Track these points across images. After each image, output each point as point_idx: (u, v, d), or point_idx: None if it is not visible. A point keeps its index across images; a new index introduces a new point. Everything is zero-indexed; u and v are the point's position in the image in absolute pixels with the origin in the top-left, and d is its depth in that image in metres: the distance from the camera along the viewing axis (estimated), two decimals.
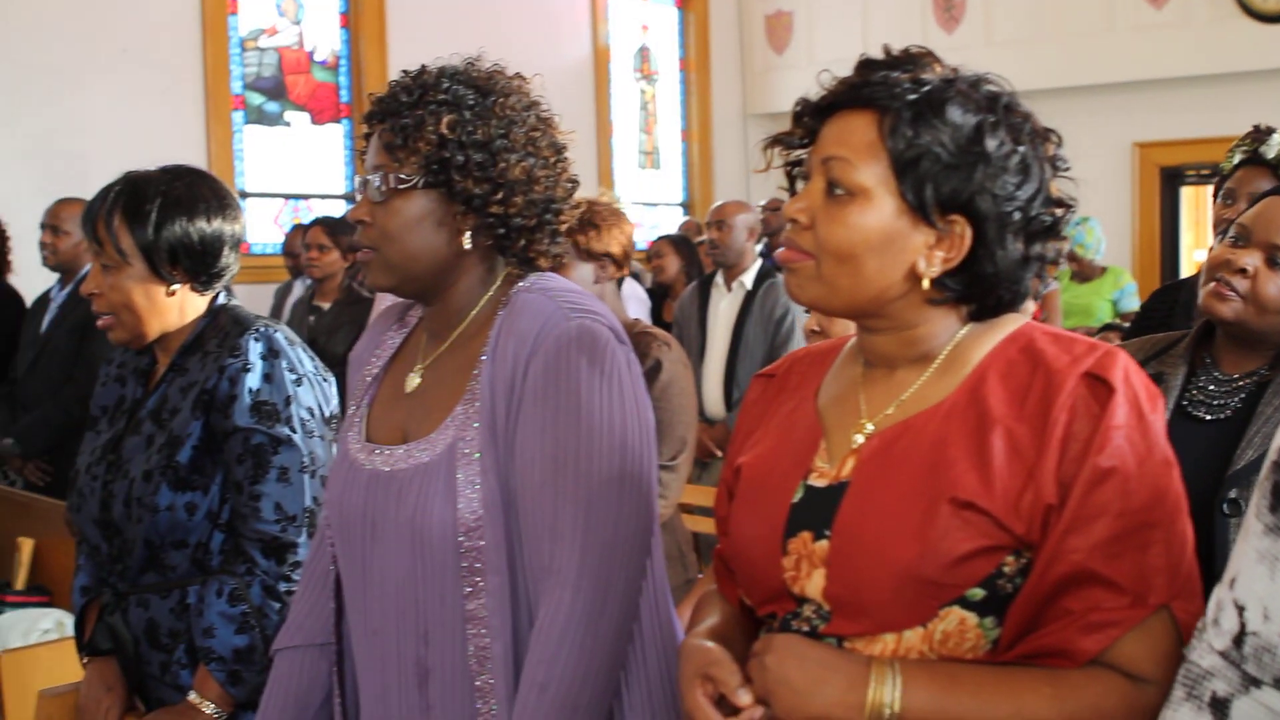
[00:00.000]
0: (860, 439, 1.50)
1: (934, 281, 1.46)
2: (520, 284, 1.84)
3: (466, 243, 1.82)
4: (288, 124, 8.68)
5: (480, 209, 1.80)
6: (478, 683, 1.75)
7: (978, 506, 1.37)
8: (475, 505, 1.73)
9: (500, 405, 1.75)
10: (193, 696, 2.28)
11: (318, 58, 8.82)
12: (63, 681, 2.62)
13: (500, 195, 1.79)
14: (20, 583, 4.49)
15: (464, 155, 1.77)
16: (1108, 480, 1.36)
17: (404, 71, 1.85)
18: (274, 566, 2.29)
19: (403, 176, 1.79)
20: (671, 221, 10.65)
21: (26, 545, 4.52)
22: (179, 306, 2.39)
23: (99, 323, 2.42)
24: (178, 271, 2.37)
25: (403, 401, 1.88)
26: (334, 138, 8.89)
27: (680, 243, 7.35)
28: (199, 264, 2.38)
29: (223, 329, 2.38)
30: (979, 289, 1.47)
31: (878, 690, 1.37)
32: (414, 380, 1.88)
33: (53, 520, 4.43)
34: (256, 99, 8.52)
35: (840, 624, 1.44)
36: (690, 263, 7.16)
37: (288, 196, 8.66)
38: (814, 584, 1.46)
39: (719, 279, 5.71)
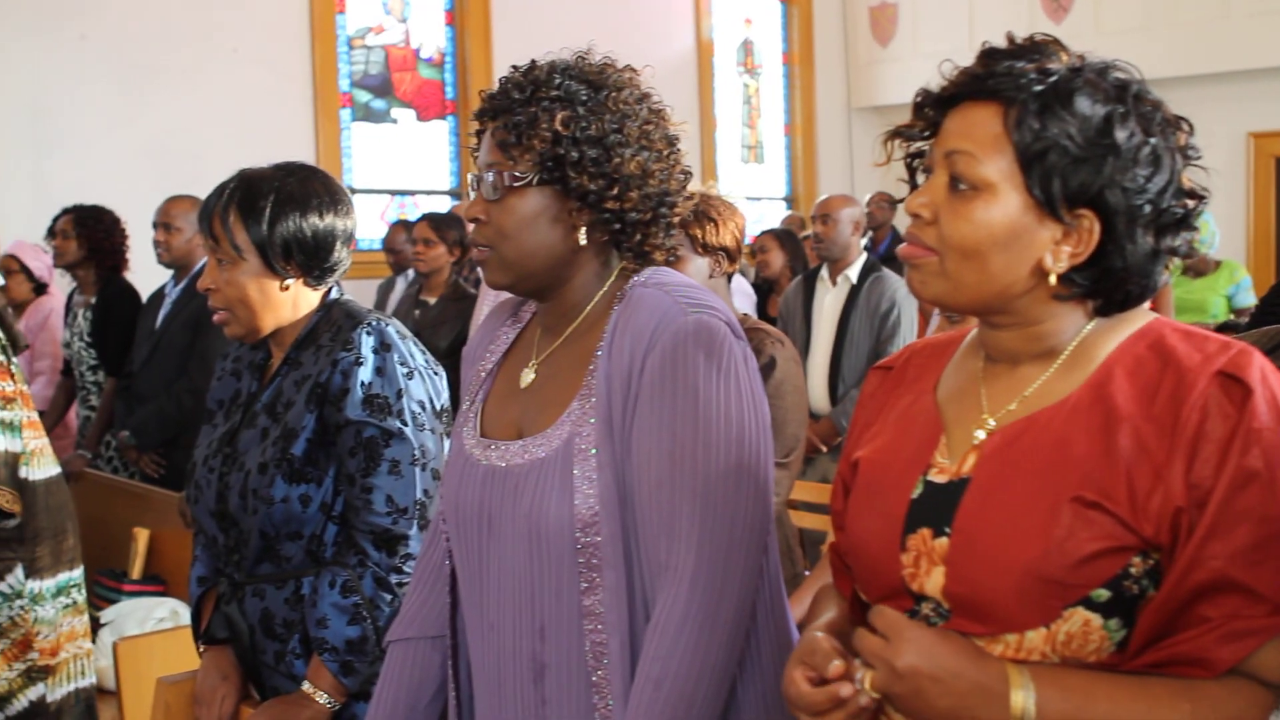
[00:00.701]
0: (982, 435, 1.47)
1: (1061, 277, 1.42)
2: (635, 279, 1.83)
3: (582, 239, 1.81)
4: (394, 121, 8.79)
5: (595, 205, 1.79)
6: (594, 678, 1.74)
7: (1104, 506, 1.34)
8: (592, 501, 1.72)
9: (617, 401, 1.74)
10: (306, 686, 2.31)
11: (423, 55, 8.92)
12: (177, 669, 2.67)
13: (615, 190, 1.78)
14: (136, 572, 4.59)
15: (578, 151, 1.76)
16: (1251, 485, 1.31)
17: (514, 67, 1.84)
18: (385, 558, 2.30)
19: (517, 174, 1.78)
20: (774, 216, 10.62)
21: (142, 536, 4.61)
22: (292, 301, 2.42)
23: (215, 318, 2.44)
24: (291, 266, 2.39)
25: (518, 397, 1.88)
26: (439, 134, 9.00)
27: (784, 237, 7.32)
28: (312, 259, 2.40)
29: (335, 323, 2.40)
30: (1107, 284, 1.43)
31: (1015, 696, 1.34)
32: (529, 376, 1.88)
33: (167, 512, 4.51)
34: (364, 96, 8.64)
35: (960, 623, 1.41)
36: (794, 257, 7.12)
37: (394, 192, 8.76)
38: (933, 581, 1.43)
39: (824, 273, 5.67)
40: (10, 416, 3.59)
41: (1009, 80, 1.41)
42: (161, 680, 2.54)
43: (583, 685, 1.75)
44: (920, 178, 1.55)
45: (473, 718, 1.95)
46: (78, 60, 7.39)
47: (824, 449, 5.36)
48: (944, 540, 1.43)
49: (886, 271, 5.56)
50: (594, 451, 1.74)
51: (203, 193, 5.28)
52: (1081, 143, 1.38)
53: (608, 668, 1.73)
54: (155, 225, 5.17)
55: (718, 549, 1.67)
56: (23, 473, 3.64)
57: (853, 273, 5.53)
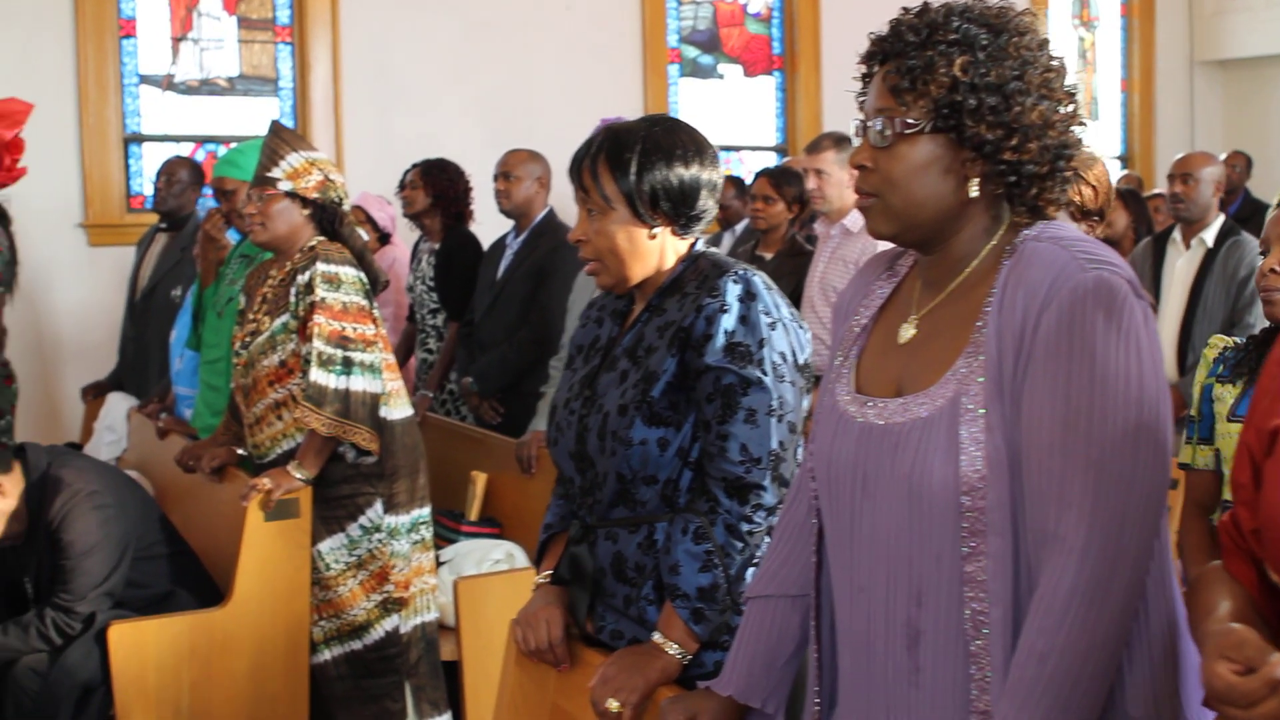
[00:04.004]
0: None
1: None
2: (1026, 232, 1.74)
3: (973, 190, 1.73)
4: (721, 76, 8.81)
5: (991, 155, 1.71)
6: (972, 647, 1.67)
7: None
8: (979, 463, 1.65)
9: (1008, 360, 1.66)
10: (657, 637, 2.31)
11: (751, 10, 8.90)
12: (514, 610, 2.71)
13: (1014, 141, 1.69)
14: (473, 514, 4.74)
15: (976, 99, 1.68)
16: None
17: (904, 9, 1.78)
18: (736, 506, 2.29)
19: (909, 120, 1.72)
20: (1110, 175, 10.15)
21: (480, 479, 4.76)
22: (659, 250, 2.43)
23: (585, 269, 2.48)
24: (658, 215, 2.40)
25: (896, 353, 1.82)
26: (766, 89, 8.97)
27: (1129, 197, 6.98)
28: (679, 207, 2.40)
29: (702, 272, 2.40)
30: None
31: None
32: (908, 331, 1.81)
33: (504, 456, 4.64)
34: (691, 52, 8.68)
35: None
36: (1139, 218, 6.80)
37: (720, 148, 8.77)
38: None
39: (1176, 235, 5.38)
40: (372, 359, 3.76)
41: None
42: (515, 621, 2.58)
43: (960, 654, 1.69)
44: None
45: (834, 679, 1.91)
46: (418, 19, 7.65)
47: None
48: None
49: (1245, 235, 5.23)
50: (982, 412, 1.66)
51: (535, 146, 5.43)
52: None
53: (988, 638, 1.66)
54: (496, 176, 5.32)
55: (1111, 520, 1.58)
56: (382, 412, 3.81)
57: (1208, 235, 5.22)
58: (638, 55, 8.31)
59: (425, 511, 4.05)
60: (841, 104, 8.46)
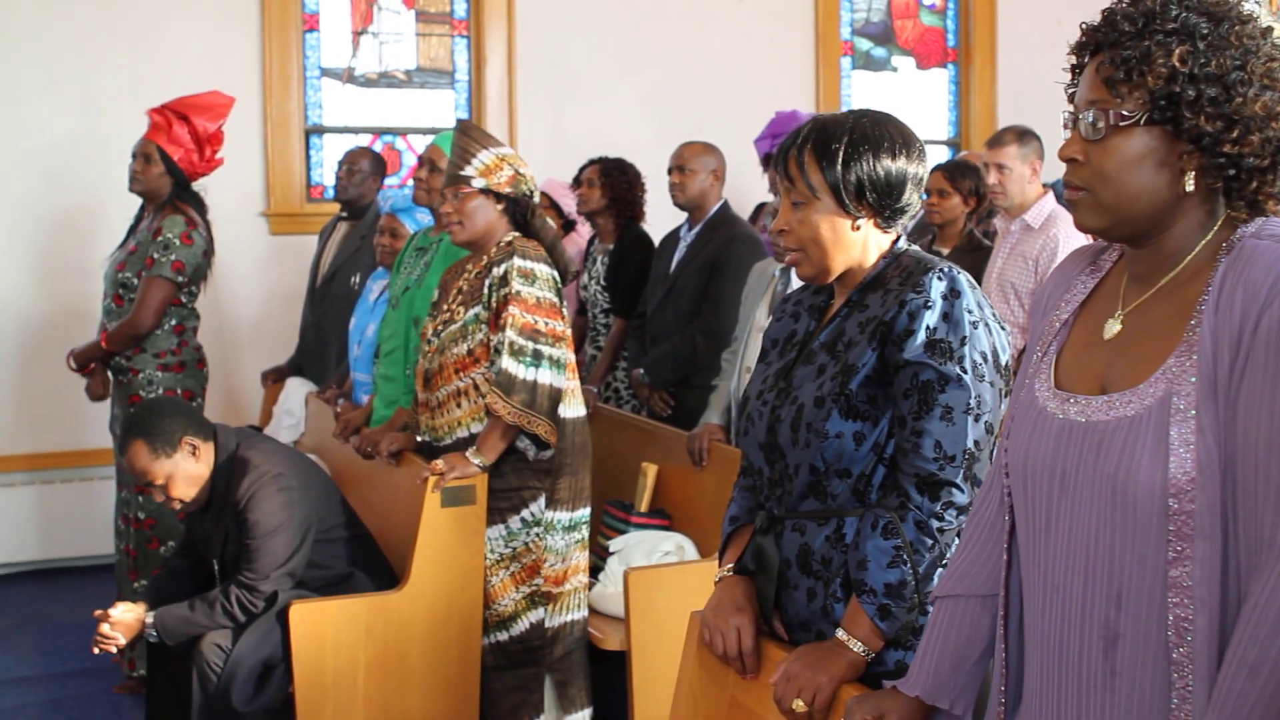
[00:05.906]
0: None
1: None
2: (1244, 229, 1.69)
3: (1189, 184, 1.68)
4: (894, 69, 8.71)
5: (1209, 148, 1.66)
6: (1174, 654, 1.63)
7: None
8: (1189, 466, 1.60)
9: (1223, 360, 1.61)
10: (841, 634, 2.29)
11: (926, 2, 8.76)
12: (685, 602, 2.72)
13: (1234, 134, 1.64)
14: (643, 505, 4.74)
15: (1195, 90, 1.63)
16: None
17: None
18: (928, 504, 2.26)
19: (1124, 112, 1.67)
20: None
21: (650, 470, 4.75)
22: (863, 242, 2.42)
23: (787, 259, 2.49)
24: (863, 206, 2.39)
25: (1101, 349, 1.77)
26: (939, 82, 8.83)
27: None
28: (884, 199, 2.40)
29: (905, 268, 2.39)
30: None
31: None
32: (1114, 327, 1.77)
33: (675, 448, 4.63)
34: (864, 44, 8.59)
35: None
36: None
37: None
38: None
39: None
40: (559, 354, 3.83)
41: None
42: (696, 614, 2.57)
43: (1161, 661, 1.64)
44: None
45: (1019, 680, 1.87)
46: (592, 12, 7.71)
47: None
48: None
49: None
50: (1194, 413, 1.61)
51: (707, 139, 5.41)
52: None
53: (1191, 645, 1.61)
54: (670, 169, 5.33)
55: None
56: (559, 409, 3.86)
57: None
58: (810, 48, 8.25)
59: (586, 513, 4.08)
60: (1016, 97, 8.30)
